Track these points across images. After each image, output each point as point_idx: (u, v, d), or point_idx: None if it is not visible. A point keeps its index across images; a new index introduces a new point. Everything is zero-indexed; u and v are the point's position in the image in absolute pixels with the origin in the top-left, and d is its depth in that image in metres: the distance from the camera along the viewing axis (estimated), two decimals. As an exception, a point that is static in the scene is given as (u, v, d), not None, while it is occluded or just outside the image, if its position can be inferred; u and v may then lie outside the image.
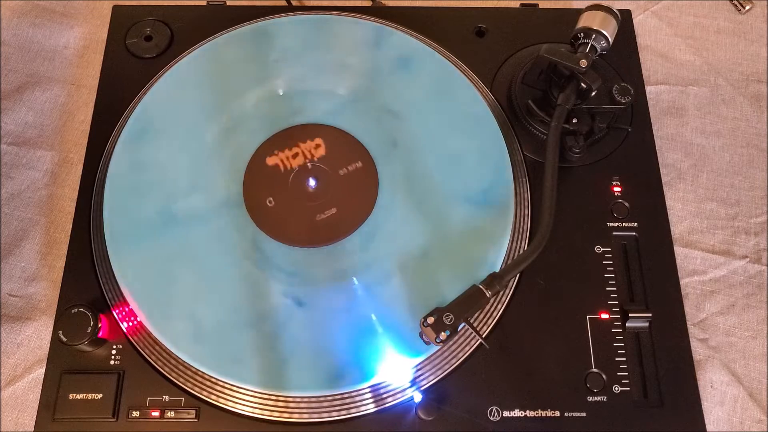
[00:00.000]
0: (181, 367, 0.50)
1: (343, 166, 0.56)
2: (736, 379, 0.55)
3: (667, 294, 0.53)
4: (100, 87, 0.61)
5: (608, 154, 0.58)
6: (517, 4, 0.67)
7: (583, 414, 0.49)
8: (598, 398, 0.50)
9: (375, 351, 0.49)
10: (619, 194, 0.57)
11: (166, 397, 0.49)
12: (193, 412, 0.49)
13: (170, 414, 0.49)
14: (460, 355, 0.51)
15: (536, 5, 0.67)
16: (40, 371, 0.53)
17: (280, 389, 0.48)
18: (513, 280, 0.53)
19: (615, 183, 0.57)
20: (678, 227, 0.61)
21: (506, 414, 0.49)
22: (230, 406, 0.49)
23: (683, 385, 0.51)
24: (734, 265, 0.59)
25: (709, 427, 0.51)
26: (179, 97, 0.58)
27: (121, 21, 0.64)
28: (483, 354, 0.51)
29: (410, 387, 0.49)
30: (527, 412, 0.49)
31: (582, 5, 0.58)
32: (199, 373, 0.49)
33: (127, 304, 0.51)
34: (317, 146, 0.57)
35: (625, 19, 0.60)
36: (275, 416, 0.49)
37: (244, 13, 0.64)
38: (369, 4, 0.69)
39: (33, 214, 0.61)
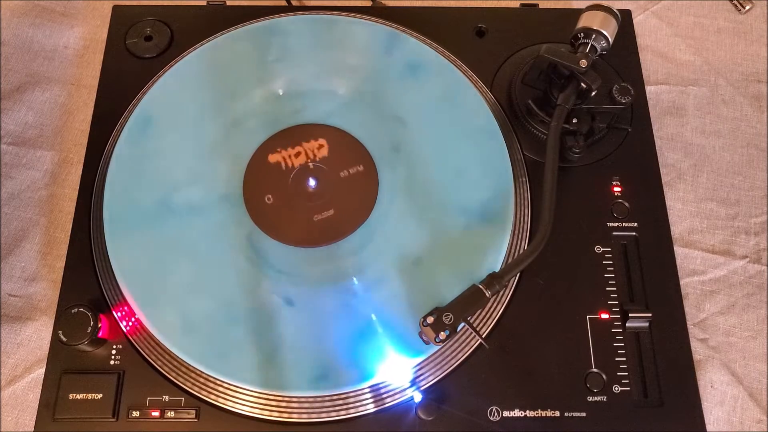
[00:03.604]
0: (181, 367, 0.50)
1: (343, 166, 0.56)
2: (736, 379, 0.55)
3: (667, 294, 0.53)
4: (100, 87, 0.61)
5: (608, 154, 0.58)
6: (517, 4, 0.67)
7: (583, 414, 0.49)
8: (598, 398, 0.50)
9: (375, 351, 0.49)
10: (619, 194, 0.57)
11: (166, 397, 0.49)
12: (193, 412, 0.49)
13: (170, 414, 0.49)
14: (460, 355, 0.51)
15: (536, 5, 0.67)
16: (40, 371, 0.53)
17: (280, 389, 0.48)
18: (513, 280, 0.53)
19: (615, 183, 0.57)
20: (678, 227, 0.61)
21: (506, 414, 0.49)
22: (230, 406, 0.49)
23: (683, 385, 0.51)
24: (734, 265, 0.59)
25: (709, 427, 0.51)
26: (179, 97, 0.58)
27: (121, 21, 0.64)
28: (483, 354, 0.51)
29: (410, 387, 0.49)
30: (527, 412, 0.49)
31: (582, 5, 0.58)
32: (199, 373, 0.49)
33: (127, 304, 0.51)
34: (320, 146, 0.57)
35: (625, 19, 0.60)
36: (275, 416, 0.49)
37: (244, 13, 0.64)
38: (369, 4, 0.69)
39: (33, 214, 0.61)
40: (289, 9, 0.66)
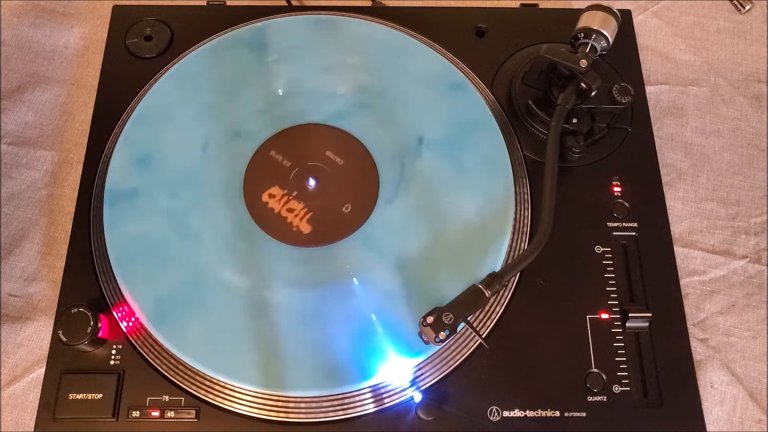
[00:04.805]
0: (181, 367, 0.50)
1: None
2: (736, 379, 0.55)
3: (667, 294, 0.53)
4: (100, 87, 0.61)
5: (608, 154, 0.58)
6: (517, 4, 0.67)
7: (583, 414, 0.49)
8: (598, 398, 0.50)
9: (375, 351, 0.49)
10: (619, 194, 0.57)
11: (166, 397, 0.49)
12: (193, 412, 0.49)
13: (170, 414, 0.49)
14: (460, 355, 0.51)
15: (536, 5, 0.67)
16: (40, 371, 0.53)
17: (280, 389, 0.48)
18: (513, 279, 0.53)
19: (615, 183, 0.57)
20: (678, 227, 0.61)
21: (506, 414, 0.49)
22: (230, 406, 0.49)
23: (683, 385, 0.51)
24: (734, 265, 0.59)
25: (709, 427, 0.51)
26: (179, 97, 0.58)
27: (121, 21, 0.64)
28: (483, 354, 0.51)
29: (410, 387, 0.49)
30: (527, 412, 0.49)
31: (582, 5, 0.58)
32: (199, 373, 0.49)
33: (127, 304, 0.51)
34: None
35: (625, 19, 0.60)
36: (275, 416, 0.49)
37: (244, 13, 0.64)
38: (369, 4, 0.69)
39: (33, 214, 0.61)
40: (289, 9, 0.66)
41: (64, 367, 0.50)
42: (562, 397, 0.50)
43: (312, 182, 0.55)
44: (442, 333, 0.44)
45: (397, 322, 0.50)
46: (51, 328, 0.52)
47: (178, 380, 0.49)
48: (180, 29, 0.63)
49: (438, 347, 0.49)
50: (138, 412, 0.49)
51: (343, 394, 0.49)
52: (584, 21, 0.56)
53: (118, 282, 0.51)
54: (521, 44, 0.63)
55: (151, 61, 0.62)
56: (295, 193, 0.55)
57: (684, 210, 0.61)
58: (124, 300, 0.51)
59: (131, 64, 0.62)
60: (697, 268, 0.59)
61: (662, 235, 0.56)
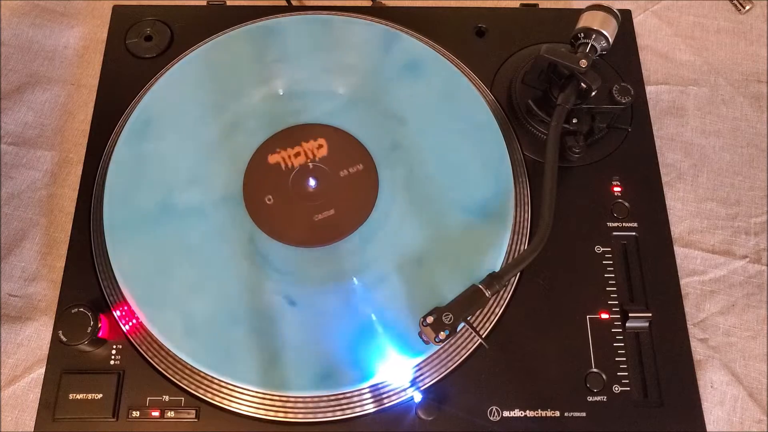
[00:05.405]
0: (181, 367, 0.50)
1: (343, 166, 0.56)
2: (736, 379, 0.55)
3: (667, 294, 0.53)
4: (100, 87, 0.61)
5: (608, 154, 0.58)
6: (517, 4, 0.67)
7: (583, 414, 0.49)
8: (598, 398, 0.50)
9: (375, 351, 0.49)
10: (619, 194, 0.57)
11: (166, 397, 0.49)
12: (193, 412, 0.49)
13: (170, 414, 0.49)
14: (460, 355, 0.51)
15: (536, 5, 0.67)
16: (40, 371, 0.53)
17: (280, 389, 0.48)
18: (513, 279, 0.53)
19: (615, 183, 0.57)
20: (678, 227, 0.61)
21: (506, 414, 0.49)
22: (230, 406, 0.49)
23: (683, 385, 0.51)
24: (734, 265, 0.59)
25: (709, 427, 0.51)
26: (179, 97, 0.58)
27: (121, 21, 0.64)
28: (483, 354, 0.51)
29: (410, 387, 0.49)
30: (527, 412, 0.49)
31: (582, 5, 0.58)
32: (200, 373, 0.49)
33: (127, 304, 0.51)
34: (320, 146, 0.57)
35: (625, 19, 0.60)
36: (275, 416, 0.49)
37: (244, 13, 0.64)
38: (369, 4, 0.69)
39: (33, 214, 0.61)
40: (289, 9, 0.66)
41: (64, 367, 0.50)
42: (562, 397, 0.50)
43: (312, 182, 0.55)
44: (442, 333, 0.44)
45: (397, 322, 0.50)
46: (51, 328, 0.52)
47: (178, 380, 0.49)
48: (180, 29, 0.63)
49: (438, 347, 0.49)
50: (138, 412, 0.49)
51: (343, 394, 0.49)
52: (584, 21, 0.56)
53: (118, 282, 0.51)
54: (521, 44, 0.63)
55: (151, 61, 0.62)
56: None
57: (684, 210, 0.61)
58: (124, 300, 0.51)
59: (131, 64, 0.62)
60: (697, 268, 0.59)
61: (662, 235, 0.56)
